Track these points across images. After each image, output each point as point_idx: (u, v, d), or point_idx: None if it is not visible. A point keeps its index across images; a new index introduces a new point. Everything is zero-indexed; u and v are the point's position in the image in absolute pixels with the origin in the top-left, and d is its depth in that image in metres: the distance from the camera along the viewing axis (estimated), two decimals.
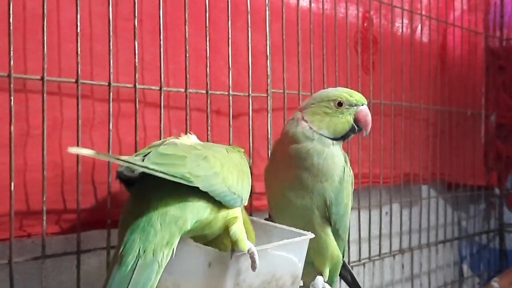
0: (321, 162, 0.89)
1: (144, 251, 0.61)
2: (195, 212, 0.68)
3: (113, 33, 0.91)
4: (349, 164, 0.95)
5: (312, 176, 0.89)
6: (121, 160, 0.62)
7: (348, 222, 0.98)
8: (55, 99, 0.86)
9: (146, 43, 0.96)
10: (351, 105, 0.92)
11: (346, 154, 0.95)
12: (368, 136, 1.41)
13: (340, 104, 0.91)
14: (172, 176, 0.64)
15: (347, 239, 0.99)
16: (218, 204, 0.71)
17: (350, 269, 1.11)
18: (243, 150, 0.85)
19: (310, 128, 0.90)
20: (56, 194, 0.86)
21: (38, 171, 0.82)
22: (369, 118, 0.93)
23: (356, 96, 0.92)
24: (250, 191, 0.80)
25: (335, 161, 0.91)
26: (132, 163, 0.62)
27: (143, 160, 0.66)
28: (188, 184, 0.66)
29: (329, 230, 0.93)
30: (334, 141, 0.91)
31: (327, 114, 0.91)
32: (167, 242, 0.64)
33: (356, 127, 0.92)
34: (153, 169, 0.63)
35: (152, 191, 0.67)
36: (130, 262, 0.60)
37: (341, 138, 0.92)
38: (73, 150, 0.59)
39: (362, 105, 0.92)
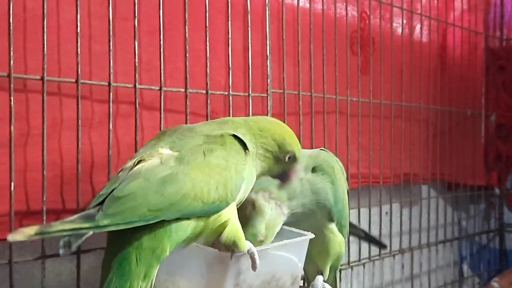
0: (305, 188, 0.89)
1: None
2: (174, 236, 0.66)
3: (112, 33, 0.91)
4: (338, 162, 0.95)
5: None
6: (67, 229, 0.58)
7: (348, 211, 0.98)
8: (55, 99, 0.86)
9: (144, 43, 0.96)
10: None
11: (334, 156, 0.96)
12: (367, 136, 1.42)
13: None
14: (129, 223, 0.61)
15: (348, 224, 1.00)
16: (203, 215, 0.69)
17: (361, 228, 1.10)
18: (229, 133, 0.76)
19: None
20: (55, 194, 0.86)
21: (38, 171, 0.82)
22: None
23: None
24: (241, 179, 0.74)
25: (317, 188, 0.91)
26: (80, 228, 0.59)
27: (98, 210, 0.61)
28: (152, 221, 0.63)
29: (332, 226, 0.94)
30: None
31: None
32: (144, 276, 0.63)
33: None
34: (105, 226, 0.60)
35: None
36: None
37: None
38: (11, 237, 0.55)
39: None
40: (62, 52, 0.87)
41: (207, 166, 0.70)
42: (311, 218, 0.91)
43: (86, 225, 0.59)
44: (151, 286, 0.64)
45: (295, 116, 1.22)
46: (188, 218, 0.67)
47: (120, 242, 0.63)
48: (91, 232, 0.60)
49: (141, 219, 0.62)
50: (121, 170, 0.69)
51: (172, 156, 0.69)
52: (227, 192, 0.71)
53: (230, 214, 0.72)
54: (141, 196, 0.63)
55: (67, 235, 0.60)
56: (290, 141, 0.82)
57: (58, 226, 0.58)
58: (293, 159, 0.82)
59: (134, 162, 0.69)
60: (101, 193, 0.65)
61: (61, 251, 0.61)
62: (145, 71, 0.96)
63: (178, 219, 0.66)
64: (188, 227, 0.67)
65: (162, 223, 0.64)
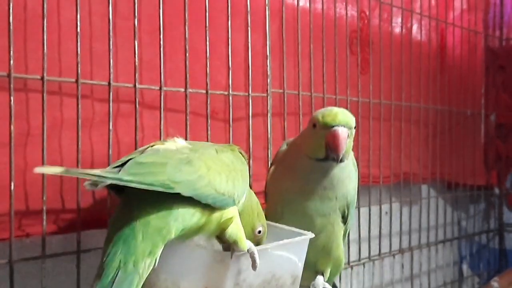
0: (329, 176, 0.88)
1: (125, 263, 0.61)
2: (180, 220, 0.66)
3: (113, 33, 0.91)
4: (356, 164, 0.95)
5: (328, 188, 0.89)
6: (92, 174, 0.61)
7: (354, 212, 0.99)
8: (55, 98, 0.86)
9: (145, 43, 0.96)
10: (323, 127, 0.83)
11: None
12: (367, 136, 1.42)
13: (314, 125, 0.85)
14: (149, 185, 0.63)
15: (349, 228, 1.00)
16: (210, 207, 0.70)
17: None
18: (237, 147, 0.83)
19: (299, 149, 0.89)
20: (55, 194, 0.86)
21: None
22: (338, 141, 0.82)
23: (328, 118, 0.83)
24: (246, 187, 0.79)
25: (345, 173, 0.90)
26: (104, 177, 0.61)
27: (119, 171, 0.64)
28: (169, 191, 0.64)
29: (343, 229, 0.94)
30: (320, 163, 0.86)
31: (306, 136, 0.88)
32: (149, 252, 0.63)
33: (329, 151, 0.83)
34: (127, 180, 0.62)
35: (136, 200, 0.66)
36: (110, 274, 0.60)
37: (325, 160, 0.86)
38: (39, 170, 0.59)
39: (333, 127, 0.82)
40: (63, 51, 0.87)
41: (219, 160, 0.74)
42: (329, 217, 0.91)
43: (110, 175, 0.61)
44: (155, 264, 0.64)
45: (295, 116, 1.22)
46: (194, 206, 0.68)
47: (126, 219, 0.64)
48: (110, 181, 0.61)
49: (161, 185, 0.64)
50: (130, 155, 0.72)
51: (187, 147, 0.74)
52: (235, 190, 0.74)
53: (234, 213, 0.74)
54: (161, 166, 0.66)
55: (90, 179, 0.62)
56: (263, 215, 0.84)
57: (82, 170, 0.62)
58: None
59: (147, 147, 0.73)
60: (116, 162, 0.68)
61: (87, 187, 0.62)
62: (147, 70, 0.96)
63: (185, 206, 0.67)
64: (193, 216, 0.68)
65: (171, 206, 0.66)
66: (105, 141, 0.90)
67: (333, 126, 0.82)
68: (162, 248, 0.65)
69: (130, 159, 0.67)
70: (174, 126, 1.00)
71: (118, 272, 0.60)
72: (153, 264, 0.64)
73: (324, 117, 0.83)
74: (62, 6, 0.86)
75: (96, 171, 0.63)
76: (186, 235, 0.70)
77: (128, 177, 0.62)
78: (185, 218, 0.67)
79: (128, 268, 0.61)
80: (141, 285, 0.62)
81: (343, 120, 0.83)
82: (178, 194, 0.66)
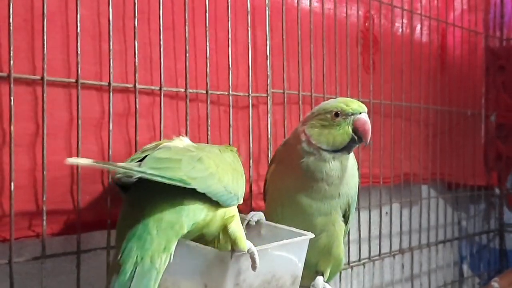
0: (333, 173, 0.89)
1: (142, 258, 0.61)
2: (191, 215, 0.68)
3: (121, 32, 0.92)
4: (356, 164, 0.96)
5: (331, 185, 0.89)
6: (120, 167, 0.62)
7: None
8: (65, 98, 0.86)
9: (154, 42, 0.96)
10: (347, 115, 0.88)
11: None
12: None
13: (336, 115, 0.88)
14: (170, 179, 0.64)
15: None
16: (215, 204, 0.71)
17: None
18: (235, 149, 0.85)
19: (310, 142, 0.89)
20: (63, 194, 0.86)
21: (48, 171, 0.83)
22: (368, 126, 0.88)
23: (353, 105, 0.88)
24: (244, 189, 0.81)
25: (348, 170, 0.91)
26: (130, 169, 0.62)
27: (139, 166, 0.66)
28: (186, 186, 0.66)
29: (343, 229, 0.94)
30: (337, 154, 0.89)
31: (325, 126, 0.88)
32: (164, 248, 0.64)
33: (356, 137, 0.88)
34: (151, 174, 0.63)
35: (147, 196, 0.67)
36: (128, 270, 0.60)
37: (343, 149, 0.89)
38: (71, 160, 0.60)
39: (360, 113, 0.88)
40: (72, 51, 0.87)
41: (224, 160, 0.76)
42: (331, 216, 0.92)
43: (136, 169, 0.63)
44: (170, 260, 0.65)
45: (296, 116, 1.22)
46: (203, 203, 0.69)
47: (137, 216, 0.65)
48: (138, 175, 0.63)
49: (180, 181, 0.65)
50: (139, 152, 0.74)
51: (192, 145, 0.76)
52: (238, 189, 0.76)
53: (235, 212, 0.76)
54: (177, 162, 0.68)
55: (118, 173, 0.64)
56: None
57: (110, 163, 0.64)
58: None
59: (155, 144, 0.76)
60: (132, 157, 0.71)
61: (122, 179, 0.65)
62: (155, 69, 0.97)
63: (195, 202, 0.68)
64: (202, 211, 0.69)
65: (182, 202, 0.67)
66: (115, 141, 0.90)
67: (360, 113, 0.88)
68: (175, 244, 0.66)
69: (146, 155, 0.69)
70: (189, 124, 1.01)
71: (136, 269, 0.61)
72: (168, 260, 0.65)
73: (349, 105, 0.88)
74: (70, 7, 0.87)
75: (123, 164, 0.65)
76: (193, 231, 0.71)
77: (150, 171, 0.64)
78: (196, 213, 0.68)
79: (145, 264, 0.61)
80: (159, 280, 0.63)
81: (364, 108, 0.90)
82: (188, 190, 0.67)
